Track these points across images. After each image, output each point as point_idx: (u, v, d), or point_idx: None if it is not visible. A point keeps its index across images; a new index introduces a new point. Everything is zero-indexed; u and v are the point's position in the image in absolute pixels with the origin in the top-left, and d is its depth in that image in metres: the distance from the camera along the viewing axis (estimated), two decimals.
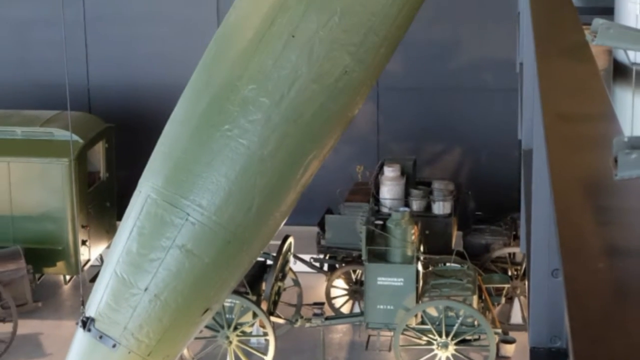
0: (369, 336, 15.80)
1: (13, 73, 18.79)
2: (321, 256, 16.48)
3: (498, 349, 14.91)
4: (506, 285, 16.13)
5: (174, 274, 10.04)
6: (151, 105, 17.96)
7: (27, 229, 16.27)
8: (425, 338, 14.93)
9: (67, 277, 17.62)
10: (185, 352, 14.33)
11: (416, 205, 16.21)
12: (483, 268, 16.08)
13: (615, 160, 3.09)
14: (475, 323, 14.68)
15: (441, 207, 16.23)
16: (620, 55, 11.45)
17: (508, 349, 15.61)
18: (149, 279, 10.18)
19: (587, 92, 4.51)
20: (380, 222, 15.62)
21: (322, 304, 16.01)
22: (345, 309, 16.68)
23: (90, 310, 10.70)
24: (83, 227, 16.30)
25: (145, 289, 10.15)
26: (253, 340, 15.40)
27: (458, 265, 15.55)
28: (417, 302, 14.81)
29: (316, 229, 16.46)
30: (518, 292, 16.29)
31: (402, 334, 14.80)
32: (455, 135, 18.10)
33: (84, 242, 16.39)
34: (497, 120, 17.57)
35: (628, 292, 2.56)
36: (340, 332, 16.58)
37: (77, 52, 18.35)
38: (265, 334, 14.92)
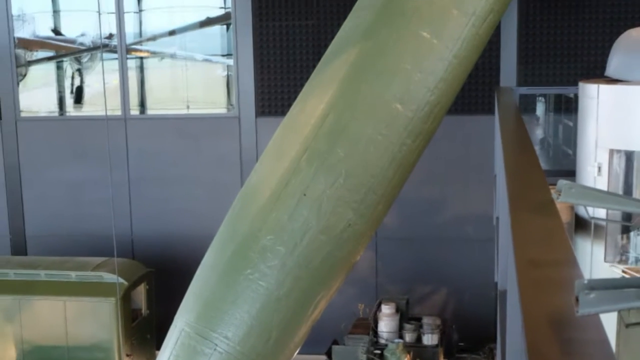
0: None
1: (69, 226, 18.86)
2: None
3: None
4: None
5: None
6: (185, 253, 18.02)
7: (80, 358, 16.29)
8: None
9: None
10: None
11: (409, 337, 16.26)
12: None
13: (577, 299, 3.12)
14: None
15: (430, 339, 16.27)
16: (581, 211, 11.48)
17: None
18: None
19: (552, 242, 4.52)
20: (379, 352, 15.74)
21: None
22: None
23: None
24: (127, 355, 16.26)
25: None
26: None
27: None
28: None
29: (324, 357, 16.44)
30: None
31: None
32: (441, 278, 18.11)
33: None
34: (477, 266, 17.58)
35: None
36: None
37: (123, 208, 18.47)
38: None
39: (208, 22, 18.51)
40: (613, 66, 11.64)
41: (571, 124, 15.60)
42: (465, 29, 8.58)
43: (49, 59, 19.41)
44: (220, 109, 18.60)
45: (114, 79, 18.48)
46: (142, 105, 18.85)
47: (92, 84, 19.20)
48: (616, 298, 3.38)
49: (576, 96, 12.77)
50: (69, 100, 19.25)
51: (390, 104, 8.59)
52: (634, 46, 11.50)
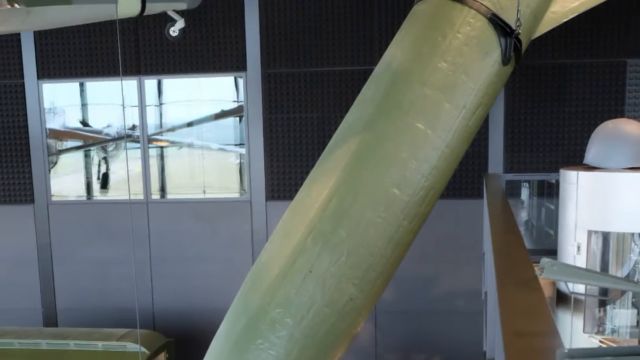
0: None
1: (96, 300, 18.82)
2: None
3: None
4: None
5: None
6: (201, 324, 17.97)
7: None
8: None
9: None
10: None
11: None
12: None
13: None
14: None
15: None
16: (562, 286, 11.45)
17: None
18: None
19: (536, 315, 4.54)
20: None
21: None
22: None
23: None
24: None
25: None
26: None
27: None
28: None
29: None
30: None
31: None
32: (435, 347, 18.01)
33: None
34: (467, 336, 17.48)
35: None
36: None
37: (145, 284, 18.44)
38: None
39: (222, 114, 18.60)
40: (591, 155, 11.68)
41: (553, 207, 15.63)
42: (457, 121, 8.62)
43: (78, 148, 19.48)
44: (234, 194, 18.64)
45: (136, 166, 18.55)
46: (163, 190, 18.90)
47: (117, 170, 19.26)
48: None
49: (557, 182, 12.81)
50: (96, 185, 19.30)
51: (388, 189, 8.61)
52: (610, 137, 11.56)
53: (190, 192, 18.82)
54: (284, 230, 9.22)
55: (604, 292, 11.31)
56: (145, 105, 18.36)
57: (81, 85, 18.82)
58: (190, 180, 19.06)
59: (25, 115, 18.64)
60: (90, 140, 19.33)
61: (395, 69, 8.86)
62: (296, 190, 9.21)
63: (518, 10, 8.61)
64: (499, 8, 8.67)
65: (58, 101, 18.93)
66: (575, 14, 9.16)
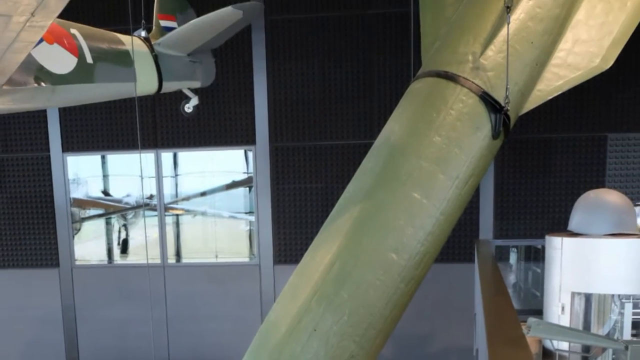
0: None
1: (116, 357, 18.74)
2: None
3: None
4: None
5: None
6: None
7: None
8: None
9: None
10: None
11: None
12: None
13: None
14: None
15: None
16: (548, 344, 11.41)
17: None
18: None
19: None
20: None
21: None
22: None
23: None
24: None
25: None
26: None
27: None
28: None
29: None
30: None
31: None
32: None
33: None
34: None
35: None
36: None
37: (161, 341, 18.37)
38: None
39: (233, 184, 18.65)
40: (574, 222, 11.70)
41: (539, 270, 15.60)
42: (450, 191, 8.64)
43: (100, 216, 19.50)
44: (244, 258, 18.62)
45: (154, 233, 18.56)
46: (178, 254, 18.89)
47: (136, 236, 19.26)
48: None
49: (543, 247, 12.81)
50: (116, 250, 19.30)
51: (386, 254, 8.62)
52: (592, 205, 11.59)
53: (204, 256, 18.80)
54: (290, 291, 9.21)
55: (586, 349, 11.26)
56: (162, 176, 18.41)
57: (103, 157, 18.89)
58: (204, 246, 19.05)
59: (51, 185, 18.69)
60: (111, 209, 19.36)
61: (393, 142, 8.90)
62: (302, 255, 9.21)
63: (507, 89, 8.66)
64: (489, 86, 8.71)
65: (81, 172, 18.99)
66: (560, 92, 9.21)
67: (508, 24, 8.77)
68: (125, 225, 19.39)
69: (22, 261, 19.02)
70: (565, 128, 16.81)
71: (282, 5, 17.06)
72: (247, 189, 18.44)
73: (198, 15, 11.44)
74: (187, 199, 18.99)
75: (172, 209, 18.83)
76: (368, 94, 17.09)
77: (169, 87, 12.09)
